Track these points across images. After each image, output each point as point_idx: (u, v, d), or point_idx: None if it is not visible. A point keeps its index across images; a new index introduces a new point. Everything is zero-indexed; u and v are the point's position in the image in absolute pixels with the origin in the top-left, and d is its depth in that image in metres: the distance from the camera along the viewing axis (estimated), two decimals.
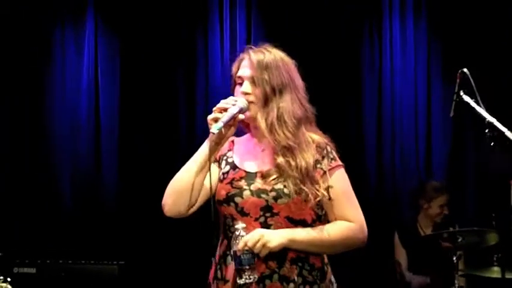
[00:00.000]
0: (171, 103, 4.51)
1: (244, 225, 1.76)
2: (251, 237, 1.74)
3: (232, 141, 1.98)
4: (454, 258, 3.38)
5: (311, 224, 1.83)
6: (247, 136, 1.98)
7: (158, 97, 4.48)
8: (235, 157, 1.92)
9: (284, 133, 1.82)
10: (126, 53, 4.50)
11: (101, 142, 4.45)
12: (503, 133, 2.16)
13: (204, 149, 1.86)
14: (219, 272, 1.85)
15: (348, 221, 1.85)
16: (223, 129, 1.81)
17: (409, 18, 4.46)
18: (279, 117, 1.83)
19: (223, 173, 1.90)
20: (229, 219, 1.84)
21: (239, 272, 1.74)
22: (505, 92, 4.25)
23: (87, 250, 4.04)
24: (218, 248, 1.89)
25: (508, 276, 3.05)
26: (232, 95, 1.93)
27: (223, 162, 1.94)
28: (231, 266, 1.81)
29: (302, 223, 1.82)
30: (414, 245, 3.75)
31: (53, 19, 4.50)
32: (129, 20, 4.50)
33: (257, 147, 1.91)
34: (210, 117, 1.82)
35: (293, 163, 1.80)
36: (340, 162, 1.90)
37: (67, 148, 4.44)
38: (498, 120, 2.20)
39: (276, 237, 1.75)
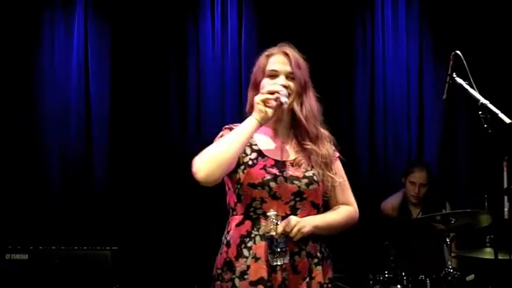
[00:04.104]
0: (162, 87, 4.48)
1: (275, 212, 1.96)
2: (288, 222, 1.95)
3: None
4: (447, 240, 3.39)
5: (320, 208, 2.10)
6: (262, 128, 2.10)
7: (149, 81, 4.45)
8: (260, 146, 2.10)
9: (315, 124, 2.10)
10: (116, 35, 4.46)
11: (92, 126, 4.42)
12: (496, 115, 2.15)
13: (250, 125, 2.01)
14: (244, 251, 1.99)
15: (347, 205, 2.14)
16: (270, 112, 1.99)
17: (401, 2, 4.44)
18: (311, 110, 2.10)
19: (251, 159, 2.06)
20: (258, 202, 2.01)
21: (274, 254, 1.92)
22: (496, 74, 4.24)
23: (80, 236, 4.03)
24: (233, 228, 2.04)
25: (501, 257, 3.07)
26: (246, 84, 2.19)
27: (248, 148, 2.09)
28: (262, 245, 1.97)
29: (318, 207, 2.08)
30: (407, 227, 3.76)
31: (42, 1, 4.43)
32: (120, 2, 4.45)
33: (276, 139, 2.13)
34: (260, 97, 2.00)
35: (319, 151, 2.08)
36: (338, 154, 2.19)
37: (57, 132, 4.40)
38: (491, 102, 2.19)
39: (307, 223, 1.99)
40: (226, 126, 2.13)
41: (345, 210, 2.13)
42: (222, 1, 4.45)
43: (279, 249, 1.91)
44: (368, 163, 4.40)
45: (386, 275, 3.53)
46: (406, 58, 4.44)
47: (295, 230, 1.95)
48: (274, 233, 1.92)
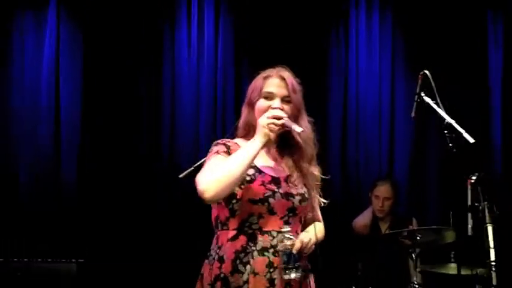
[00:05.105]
0: (135, 96, 4.44)
1: (289, 228, 2.04)
2: (304, 239, 2.04)
3: (238, 144, 2.19)
4: (413, 255, 3.43)
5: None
6: None
7: (122, 89, 4.40)
8: (255, 162, 2.12)
9: (312, 146, 2.19)
10: (89, 41, 4.40)
11: (61, 134, 4.35)
12: (461, 134, 2.21)
13: (257, 148, 2.05)
14: (240, 266, 2.02)
15: (319, 222, 2.27)
16: (273, 136, 2.06)
17: (375, 20, 4.52)
18: (308, 132, 2.17)
19: (249, 175, 2.10)
20: (255, 217, 2.06)
21: (288, 269, 1.99)
22: (467, 92, 4.33)
23: (44, 248, 3.95)
24: (225, 243, 2.05)
25: (464, 272, 3.13)
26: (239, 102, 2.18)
27: None
28: (260, 260, 2.02)
29: (302, 222, 2.17)
30: (374, 242, 3.80)
31: (12, 5, 4.36)
32: (94, 6, 4.40)
33: (269, 156, 2.19)
34: (266, 122, 2.05)
35: (314, 173, 2.18)
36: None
37: (26, 140, 4.32)
38: (460, 120, 2.25)
39: (313, 240, 2.09)
40: (219, 142, 2.15)
41: (321, 226, 2.26)
42: (198, 8, 4.45)
43: (294, 264, 1.99)
44: (340, 178, 4.42)
45: None
46: (379, 74, 4.50)
47: (308, 246, 2.05)
48: (292, 249, 1.99)
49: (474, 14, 4.45)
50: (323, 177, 2.21)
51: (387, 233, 3.86)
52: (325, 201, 2.21)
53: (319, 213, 2.26)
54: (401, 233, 3.44)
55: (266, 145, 2.08)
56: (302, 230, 2.15)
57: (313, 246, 2.07)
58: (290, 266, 1.99)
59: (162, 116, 4.44)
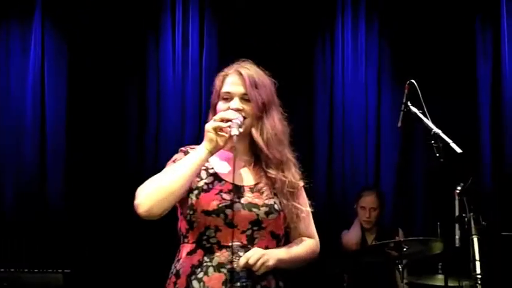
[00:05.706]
0: (120, 106, 4.44)
1: (240, 243, 1.84)
2: (252, 255, 1.81)
3: None
4: (400, 267, 3.44)
5: (281, 239, 1.95)
6: (219, 151, 1.95)
7: (107, 101, 4.40)
8: (216, 169, 1.94)
9: (278, 148, 1.93)
10: (74, 51, 4.40)
11: (47, 147, 4.33)
12: (448, 144, 2.22)
13: (200, 156, 1.85)
14: (194, 282, 1.85)
15: (310, 238, 2.00)
16: (221, 141, 1.84)
17: (361, 30, 4.56)
18: (274, 133, 1.92)
19: (206, 183, 1.90)
20: (212, 230, 1.86)
21: None
22: (455, 102, 4.37)
23: (31, 258, 3.93)
24: (184, 257, 1.89)
25: (451, 284, 3.14)
26: (208, 106, 2.02)
27: (203, 172, 1.93)
28: (215, 277, 1.83)
29: (278, 238, 1.93)
30: (360, 254, 3.80)
31: None
32: (78, 18, 4.40)
33: (235, 161, 1.90)
34: (212, 125, 1.84)
35: (284, 179, 1.91)
36: (302, 183, 2.01)
37: (11, 152, 4.30)
38: (448, 131, 2.26)
39: (272, 256, 1.84)
40: (182, 149, 1.98)
41: (308, 243, 1.99)
42: (183, 17, 4.46)
43: (239, 284, 1.80)
44: (326, 189, 4.43)
45: None
46: (365, 84, 4.52)
47: (259, 263, 1.81)
48: (235, 266, 1.80)
49: (462, 24, 4.49)
50: (301, 184, 1.97)
51: (373, 244, 3.86)
52: (308, 209, 1.98)
53: (310, 227, 2.00)
54: (387, 244, 3.44)
55: (216, 151, 1.86)
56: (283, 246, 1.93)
57: (269, 264, 1.81)
58: (236, 285, 1.79)
59: (147, 125, 4.44)
